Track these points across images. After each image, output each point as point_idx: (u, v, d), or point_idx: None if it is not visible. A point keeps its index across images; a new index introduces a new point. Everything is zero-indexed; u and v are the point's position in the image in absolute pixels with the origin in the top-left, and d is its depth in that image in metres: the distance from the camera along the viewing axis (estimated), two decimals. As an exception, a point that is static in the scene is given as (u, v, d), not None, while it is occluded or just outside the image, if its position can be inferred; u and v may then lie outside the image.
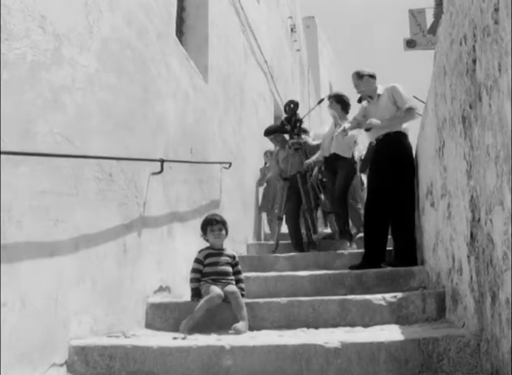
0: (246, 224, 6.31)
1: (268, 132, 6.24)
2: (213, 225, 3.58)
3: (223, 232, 3.61)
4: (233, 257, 3.63)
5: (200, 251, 3.60)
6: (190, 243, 4.23)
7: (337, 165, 5.59)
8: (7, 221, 2.18)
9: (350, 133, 4.87)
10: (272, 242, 6.03)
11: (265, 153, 6.95)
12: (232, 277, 3.53)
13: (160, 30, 4.05)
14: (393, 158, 4.32)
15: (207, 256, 3.54)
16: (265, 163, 7.01)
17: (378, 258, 4.29)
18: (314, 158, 5.81)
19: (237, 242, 5.68)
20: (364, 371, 2.32)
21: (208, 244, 3.64)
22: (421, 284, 3.79)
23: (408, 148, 4.45)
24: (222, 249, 3.61)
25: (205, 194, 4.89)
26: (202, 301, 3.29)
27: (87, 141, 2.85)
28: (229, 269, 3.55)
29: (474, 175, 2.12)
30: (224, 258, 3.56)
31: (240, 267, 3.63)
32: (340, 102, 5.72)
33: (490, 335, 1.99)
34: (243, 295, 3.47)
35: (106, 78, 3.13)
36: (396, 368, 2.31)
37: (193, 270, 3.52)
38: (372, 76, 4.60)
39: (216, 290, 3.33)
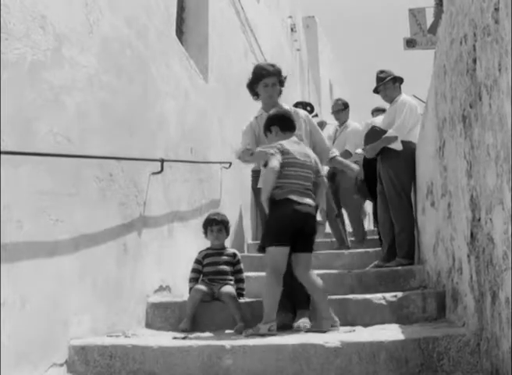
0: (246, 224, 6.30)
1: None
2: (212, 226, 3.59)
3: (223, 233, 3.61)
4: (234, 255, 3.61)
5: (200, 252, 3.63)
6: (190, 242, 4.23)
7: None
8: (7, 221, 2.18)
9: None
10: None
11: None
12: (231, 277, 3.52)
13: (160, 29, 4.05)
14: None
15: (206, 256, 3.56)
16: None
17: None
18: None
19: (237, 242, 5.68)
20: (364, 370, 2.32)
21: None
22: (421, 284, 3.79)
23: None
24: (223, 249, 3.62)
25: (205, 194, 4.89)
26: (187, 300, 3.36)
27: (87, 141, 2.85)
28: (228, 268, 3.54)
29: (475, 174, 2.12)
30: (223, 258, 3.56)
31: (241, 266, 3.61)
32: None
33: (490, 334, 1.99)
34: (242, 295, 3.47)
35: (106, 78, 3.12)
36: (397, 367, 2.31)
37: (192, 270, 3.57)
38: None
39: (197, 287, 3.38)
